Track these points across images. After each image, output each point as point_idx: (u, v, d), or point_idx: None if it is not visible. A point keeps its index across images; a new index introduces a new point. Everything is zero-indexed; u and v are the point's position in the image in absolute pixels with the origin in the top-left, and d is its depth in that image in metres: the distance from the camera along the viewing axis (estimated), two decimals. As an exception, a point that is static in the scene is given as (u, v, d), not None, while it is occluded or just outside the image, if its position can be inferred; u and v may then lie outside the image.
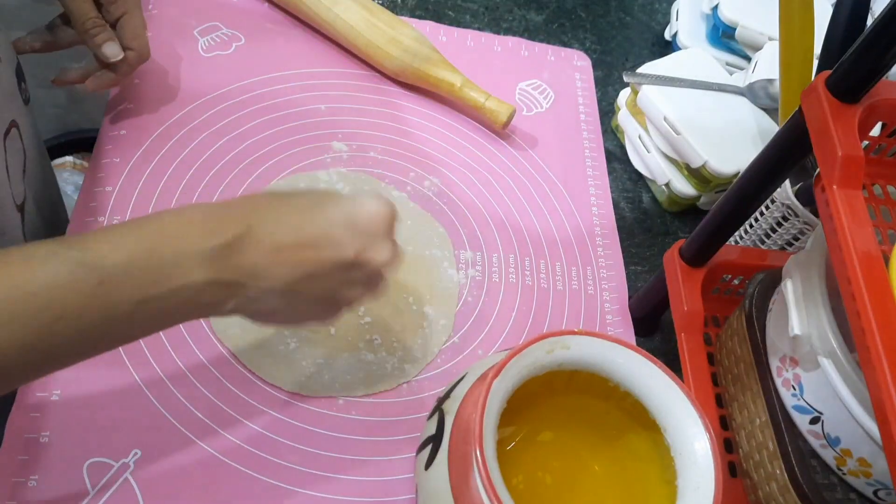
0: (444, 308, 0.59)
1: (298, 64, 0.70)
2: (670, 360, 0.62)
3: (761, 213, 0.65)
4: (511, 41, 0.80)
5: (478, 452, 0.37)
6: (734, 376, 0.55)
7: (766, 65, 0.74)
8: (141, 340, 0.51)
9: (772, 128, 0.72)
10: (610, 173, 0.73)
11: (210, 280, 0.37)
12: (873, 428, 0.42)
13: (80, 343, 0.35)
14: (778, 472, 0.47)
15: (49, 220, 0.57)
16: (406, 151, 0.67)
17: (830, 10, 0.54)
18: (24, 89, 0.53)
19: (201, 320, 0.53)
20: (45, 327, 0.33)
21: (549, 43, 0.82)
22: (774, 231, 0.64)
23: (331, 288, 0.41)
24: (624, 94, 0.76)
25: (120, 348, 0.50)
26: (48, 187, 0.58)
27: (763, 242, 0.66)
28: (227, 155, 0.62)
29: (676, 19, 0.84)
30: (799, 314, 0.46)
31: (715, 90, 0.73)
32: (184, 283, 0.36)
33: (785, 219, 0.63)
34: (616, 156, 0.76)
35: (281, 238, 0.39)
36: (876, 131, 0.45)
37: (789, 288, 0.47)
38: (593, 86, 0.80)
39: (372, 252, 0.41)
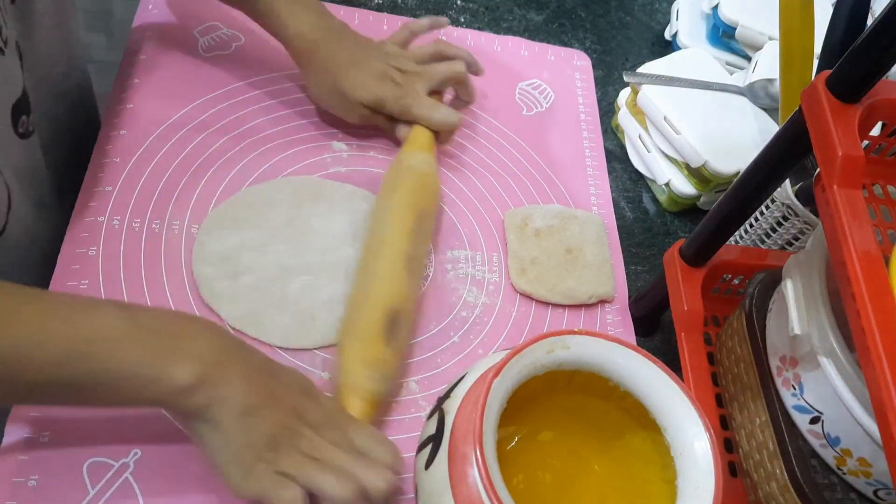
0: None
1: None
2: (670, 360, 0.62)
3: (761, 213, 0.65)
4: (511, 41, 0.80)
5: (478, 452, 0.37)
6: (734, 376, 0.55)
7: (767, 64, 0.74)
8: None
9: (772, 128, 0.72)
10: (610, 173, 0.73)
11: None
12: (873, 428, 0.42)
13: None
14: (778, 471, 0.47)
15: (39, 254, 0.55)
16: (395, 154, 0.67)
17: (830, 10, 0.54)
18: (23, 123, 0.52)
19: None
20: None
21: (549, 43, 0.82)
22: (774, 231, 0.64)
23: (281, 428, 0.44)
24: (624, 94, 0.76)
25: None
26: (43, 223, 0.56)
27: (763, 242, 0.66)
28: (227, 154, 0.62)
29: (676, 19, 0.84)
30: (799, 314, 0.46)
31: (715, 90, 0.73)
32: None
33: (785, 218, 0.63)
34: (616, 156, 0.76)
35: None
36: (876, 131, 0.45)
37: (789, 288, 0.47)
38: (593, 85, 0.80)
39: (329, 433, 0.46)
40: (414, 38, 0.69)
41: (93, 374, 0.40)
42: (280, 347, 0.54)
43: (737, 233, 0.68)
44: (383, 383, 0.51)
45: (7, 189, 0.50)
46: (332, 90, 0.62)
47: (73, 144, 0.63)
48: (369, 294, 0.53)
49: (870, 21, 0.51)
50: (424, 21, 0.69)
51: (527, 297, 0.62)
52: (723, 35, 0.80)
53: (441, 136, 0.66)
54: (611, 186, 0.72)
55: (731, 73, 0.77)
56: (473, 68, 0.69)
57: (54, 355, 0.39)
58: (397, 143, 0.65)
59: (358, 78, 0.61)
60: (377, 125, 0.65)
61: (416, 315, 0.57)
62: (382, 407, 0.53)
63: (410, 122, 0.64)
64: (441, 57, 0.67)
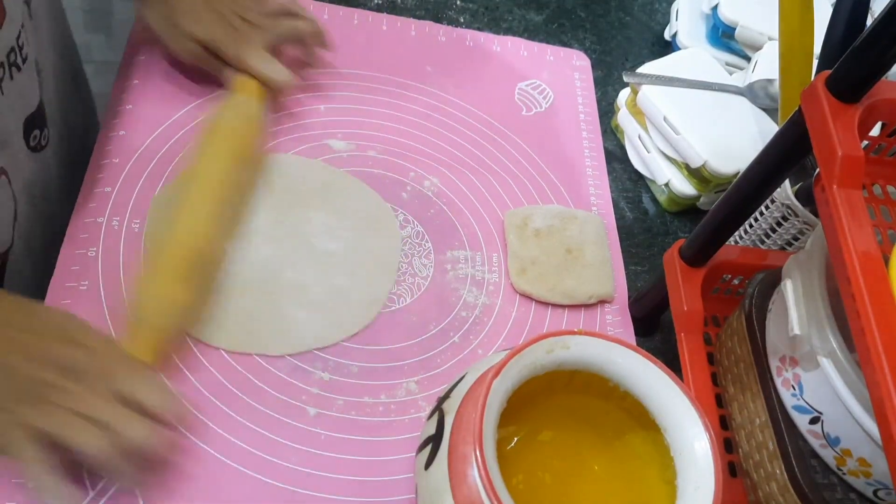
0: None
1: (298, 64, 0.70)
2: (670, 360, 0.62)
3: (761, 213, 0.65)
4: (510, 41, 0.80)
5: (478, 452, 0.37)
6: (734, 376, 0.55)
7: (766, 65, 0.74)
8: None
9: (772, 128, 0.72)
10: (610, 173, 0.73)
11: None
12: (873, 428, 0.42)
13: None
14: (778, 471, 0.47)
15: (42, 270, 0.56)
16: (406, 151, 0.67)
17: (830, 10, 0.54)
18: (35, 137, 0.52)
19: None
20: None
21: (548, 43, 0.82)
22: (774, 231, 0.64)
23: (30, 380, 0.41)
24: (624, 94, 0.76)
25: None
26: (44, 231, 0.57)
27: (763, 242, 0.66)
28: (227, 155, 0.62)
29: (676, 19, 0.84)
30: (799, 314, 0.46)
31: (715, 90, 0.73)
32: None
33: (785, 219, 0.63)
34: (616, 156, 0.76)
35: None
36: (876, 131, 0.45)
37: (789, 288, 0.47)
38: (593, 86, 0.80)
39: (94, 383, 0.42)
40: None
41: None
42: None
43: (737, 233, 0.68)
44: (171, 320, 0.50)
45: (14, 202, 0.51)
46: (168, 20, 0.59)
47: (79, 152, 0.63)
48: (172, 234, 0.53)
49: (869, 21, 0.51)
50: None
51: (527, 297, 0.62)
52: (722, 35, 0.80)
53: (271, 92, 0.63)
54: (611, 186, 0.72)
55: (731, 74, 0.77)
56: (320, 38, 0.66)
57: None
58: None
59: (195, 12, 0.59)
60: (207, 67, 0.63)
61: (219, 258, 0.56)
62: (170, 344, 0.51)
63: (241, 71, 0.62)
64: (289, 15, 0.65)
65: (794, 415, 0.48)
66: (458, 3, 0.83)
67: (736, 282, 0.62)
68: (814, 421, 0.47)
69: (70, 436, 0.40)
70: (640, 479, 0.46)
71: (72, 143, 0.62)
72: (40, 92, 0.52)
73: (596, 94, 0.79)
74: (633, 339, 0.63)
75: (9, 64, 0.47)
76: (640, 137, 0.73)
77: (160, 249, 0.52)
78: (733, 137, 0.70)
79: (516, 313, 0.61)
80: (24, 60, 0.49)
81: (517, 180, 0.69)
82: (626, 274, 0.67)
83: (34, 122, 0.52)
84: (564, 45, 0.83)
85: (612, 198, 0.72)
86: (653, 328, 0.65)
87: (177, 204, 0.54)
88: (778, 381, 0.50)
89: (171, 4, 0.59)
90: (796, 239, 0.63)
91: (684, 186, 0.70)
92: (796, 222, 0.62)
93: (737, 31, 0.78)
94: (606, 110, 0.79)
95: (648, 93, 0.71)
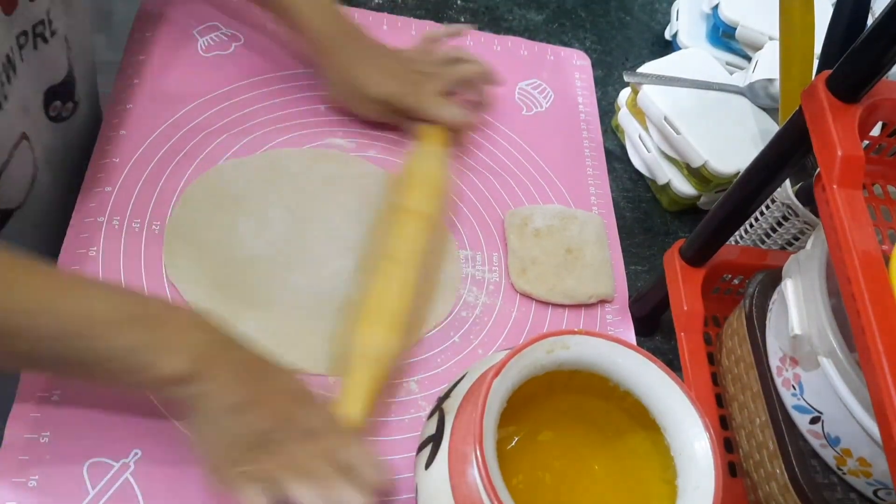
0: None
1: (298, 64, 0.70)
2: (670, 360, 0.62)
3: (761, 213, 0.65)
4: (510, 41, 0.80)
5: (478, 452, 0.37)
6: (734, 376, 0.55)
7: (767, 64, 0.74)
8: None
9: (772, 127, 0.72)
10: (610, 173, 0.73)
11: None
12: (873, 428, 0.42)
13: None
14: (778, 471, 0.47)
15: (43, 237, 0.56)
16: (406, 150, 0.67)
17: (830, 10, 0.54)
18: (55, 108, 0.54)
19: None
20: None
21: (549, 42, 0.82)
22: (774, 231, 0.64)
23: (263, 431, 0.44)
24: (624, 94, 0.76)
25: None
26: (55, 208, 0.58)
27: (763, 242, 0.66)
28: (227, 154, 0.62)
29: (676, 19, 0.84)
30: (799, 314, 0.46)
31: (715, 90, 0.73)
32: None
33: (785, 218, 0.63)
34: (616, 155, 0.76)
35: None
36: (876, 131, 0.45)
37: (789, 288, 0.47)
38: (593, 85, 0.80)
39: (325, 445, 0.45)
40: (432, 46, 0.69)
41: (86, 353, 0.41)
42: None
43: (737, 233, 0.68)
44: (388, 371, 0.52)
45: (35, 168, 0.52)
46: (346, 85, 0.63)
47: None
48: (387, 282, 0.55)
49: (870, 21, 0.51)
50: (442, 29, 0.70)
51: (527, 296, 0.62)
52: (723, 35, 0.80)
53: (455, 135, 0.67)
54: (611, 186, 0.72)
55: (731, 73, 0.77)
56: (489, 77, 0.69)
57: (51, 330, 0.39)
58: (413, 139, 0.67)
59: (370, 74, 0.63)
60: (392, 122, 0.67)
61: (421, 320, 0.58)
62: (381, 399, 0.53)
63: (425, 121, 0.65)
64: (457, 60, 0.69)
65: (795, 415, 0.48)
66: (459, 2, 0.83)
67: (736, 282, 0.62)
68: (814, 421, 0.47)
69: (291, 489, 0.43)
70: (640, 479, 0.46)
71: (92, 118, 0.63)
72: (69, 65, 0.54)
73: (596, 93, 0.79)
74: (633, 339, 0.63)
75: (34, 35, 0.49)
76: (640, 137, 0.73)
77: (374, 297, 0.54)
78: (733, 137, 0.70)
79: (516, 313, 0.61)
80: (52, 34, 0.50)
81: (517, 180, 0.69)
82: (626, 274, 0.67)
83: (56, 93, 0.54)
84: (565, 44, 0.83)
85: (612, 198, 0.72)
86: (653, 328, 0.65)
87: (384, 250, 0.57)
88: (778, 381, 0.50)
89: (347, 71, 0.63)
90: (796, 239, 0.63)
91: (684, 186, 0.70)
92: (796, 222, 0.62)
93: (737, 31, 0.78)
94: (607, 110, 0.79)
95: (649, 92, 0.71)
